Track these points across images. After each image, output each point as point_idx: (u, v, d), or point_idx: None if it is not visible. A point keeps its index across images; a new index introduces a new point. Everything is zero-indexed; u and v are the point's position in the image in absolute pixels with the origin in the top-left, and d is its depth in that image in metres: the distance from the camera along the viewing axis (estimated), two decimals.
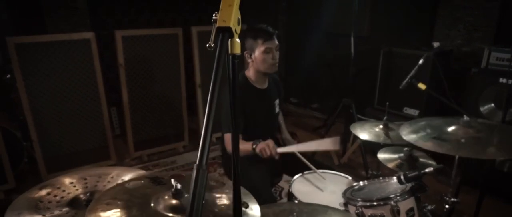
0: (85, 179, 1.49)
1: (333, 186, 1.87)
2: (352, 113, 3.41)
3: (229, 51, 0.74)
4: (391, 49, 3.51)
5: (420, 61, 2.22)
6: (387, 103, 2.34)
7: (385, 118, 2.08)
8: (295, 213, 1.20)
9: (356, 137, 3.01)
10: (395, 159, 1.80)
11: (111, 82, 3.88)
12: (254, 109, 2.11)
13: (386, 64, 3.57)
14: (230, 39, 0.73)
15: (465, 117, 1.57)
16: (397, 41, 3.63)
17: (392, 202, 1.38)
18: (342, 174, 1.97)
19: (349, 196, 1.52)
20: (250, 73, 2.16)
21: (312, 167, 1.99)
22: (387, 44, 3.56)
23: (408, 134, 1.59)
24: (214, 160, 3.48)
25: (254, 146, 1.91)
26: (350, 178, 1.92)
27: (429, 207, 1.66)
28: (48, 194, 1.36)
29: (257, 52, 2.05)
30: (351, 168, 3.50)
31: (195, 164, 0.64)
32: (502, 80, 2.76)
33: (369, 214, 1.43)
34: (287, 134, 2.38)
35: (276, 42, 2.08)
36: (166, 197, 1.08)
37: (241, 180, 2.05)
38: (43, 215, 1.24)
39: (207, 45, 0.72)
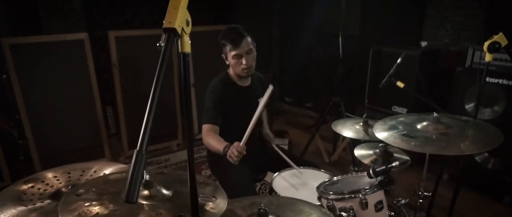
0: (69, 173, 1.56)
1: (314, 182, 1.92)
2: (341, 111, 3.47)
3: (180, 50, 0.81)
4: (380, 49, 3.56)
5: (398, 60, 2.27)
6: (366, 100, 2.42)
7: (364, 115, 2.13)
8: (262, 205, 1.25)
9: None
10: (370, 155, 1.86)
11: (107, 82, 3.96)
12: (235, 105, 2.17)
13: (375, 63, 3.62)
14: (179, 39, 0.79)
15: (435, 114, 1.63)
16: (387, 40, 3.69)
17: (360, 195, 1.44)
18: (323, 171, 2.03)
19: (322, 190, 1.58)
20: (231, 71, 2.22)
21: (292, 163, 2.06)
22: (377, 43, 3.62)
23: (380, 132, 1.65)
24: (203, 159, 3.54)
25: (225, 151, 1.93)
26: (329, 174, 1.97)
27: (403, 201, 1.72)
28: (32, 187, 1.44)
29: (229, 57, 2.11)
30: (341, 165, 3.56)
31: (135, 150, 0.71)
32: (489, 79, 2.81)
33: (339, 206, 1.49)
34: (268, 130, 2.43)
35: (247, 46, 2.08)
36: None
37: (224, 176, 2.11)
38: (26, 206, 1.31)
39: (157, 44, 0.79)
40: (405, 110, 3.42)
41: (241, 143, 1.85)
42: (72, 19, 3.89)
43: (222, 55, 2.17)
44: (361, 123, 2.14)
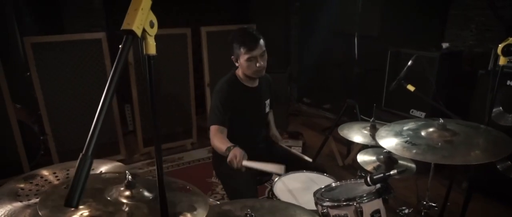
0: (68, 170, 1.59)
1: (316, 186, 1.87)
2: (356, 113, 3.38)
3: (145, 52, 0.80)
4: (398, 50, 3.45)
5: (409, 62, 2.18)
6: (374, 104, 2.32)
7: (372, 119, 2.06)
8: (248, 209, 1.23)
9: None
10: (373, 161, 1.79)
11: (127, 80, 4.04)
12: (242, 106, 2.15)
13: (393, 65, 3.51)
14: (143, 41, 0.78)
15: (441, 120, 1.55)
16: (408, 41, 3.56)
17: (354, 203, 1.39)
18: (326, 175, 1.97)
19: (318, 196, 1.53)
20: (239, 72, 2.20)
21: (303, 156, 2.01)
22: (395, 45, 3.50)
23: (382, 138, 1.58)
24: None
25: (227, 152, 1.91)
26: (333, 179, 1.92)
27: (406, 210, 1.64)
28: (31, 183, 1.47)
29: (241, 60, 2.08)
30: (354, 169, 3.47)
31: (80, 154, 0.70)
32: (510, 83, 2.66)
33: (334, 214, 1.43)
34: (275, 131, 2.40)
35: (261, 49, 2.06)
36: (122, 188, 1.15)
37: (227, 179, 2.09)
38: (21, 201, 1.34)
39: (120, 45, 0.78)
40: (423, 114, 3.29)
41: (243, 163, 1.82)
42: (92, 19, 3.99)
43: (232, 56, 2.15)
44: (369, 127, 2.07)
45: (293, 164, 2.07)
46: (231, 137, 2.12)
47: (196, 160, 3.69)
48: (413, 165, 1.74)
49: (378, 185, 1.44)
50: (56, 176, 1.55)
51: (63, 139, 3.36)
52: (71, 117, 3.34)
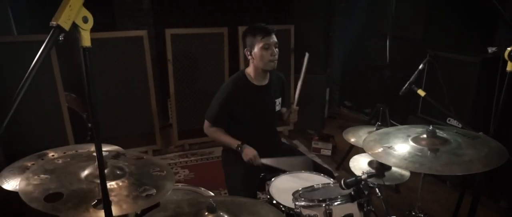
0: (76, 151, 1.78)
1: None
2: (386, 118, 3.24)
3: (80, 44, 0.89)
4: (437, 54, 3.23)
5: (420, 66, 2.06)
6: (381, 108, 2.22)
7: (377, 123, 1.99)
8: (211, 199, 1.28)
9: None
10: (366, 167, 1.74)
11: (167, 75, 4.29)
12: (248, 104, 2.19)
13: (431, 70, 3.29)
14: (79, 34, 0.88)
15: (430, 127, 1.46)
16: (453, 45, 3.34)
17: (324, 204, 1.37)
18: (324, 176, 1.95)
19: (296, 195, 1.53)
20: (249, 70, 2.25)
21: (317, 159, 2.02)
22: (435, 48, 3.29)
23: (368, 142, 1.53)
24: None
25: (238, 149, 2.02)
26: (331, 180, 1.89)
27: None
28: (42, 159, 1.68)
29: (256, 49, 2.12)
30: None
31: None
32: None
33: (305, 213, 1.43)
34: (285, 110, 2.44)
35: (275, 39, 2.13)
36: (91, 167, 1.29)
37: (229, 172, 2.16)
38: (24, 176, 1.54)
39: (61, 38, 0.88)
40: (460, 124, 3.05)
41: (262, 160, 2.02)
42: (141, 18, 4.29)
43: (245, 50, 2.20)
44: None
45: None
46: (238, 135, 2.19)
47: None
48: (407, 173, 1.65)
49: (352, 189, 1.41)
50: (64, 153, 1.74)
51: (106, 128, 3.66)
52: (113, 108, 3.65)
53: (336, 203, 1.38)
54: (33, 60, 0.86)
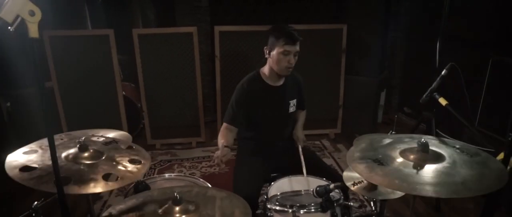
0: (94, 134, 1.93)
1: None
2: (431, 128, 2.92)
3: (29, 35, 0.98)
4: (502, 59, 2.83)
5: (443, 72, 1.82)
6: (396, 116, 2.02)
7: (390, 132, 1.82)
8: (175, 194, 1.30)
9: None
10: (358, 178, 1.58)
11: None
12: (261, 104, 2.16)
13: (495, 77, 2.90)
14: (28, 24, 0.97)
15: (423, 139, 1.28)
16: None
17: (290, 210, 1.31)
18: (325, 180, 1.84)
19: (277, 198, 1.48)
20: (265, 69, 2.21)
21: (304, 169, 1.94)
22: (499, 53, 2.89)
23: (354, 153, 1.40)
24: None
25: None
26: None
27: None
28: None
29: (276, 51, 2.07)
30: None
31: None
32: None
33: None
34: (300, 132, 2.31)
35: (297, 48, 2.05)
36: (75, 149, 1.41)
37: (236, 168, 2.17)
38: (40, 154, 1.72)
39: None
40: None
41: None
42: (199, 15, 4.48)
43: (265, 48, 2.18)
44: None
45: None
46: (250, 135, 2.19)
47: None
48: None
49: (323, 198, 1.32)
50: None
51: (156, 117, 3.93)
52: (163, 99, 3.88)
53: (303, 211, 1.30)
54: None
